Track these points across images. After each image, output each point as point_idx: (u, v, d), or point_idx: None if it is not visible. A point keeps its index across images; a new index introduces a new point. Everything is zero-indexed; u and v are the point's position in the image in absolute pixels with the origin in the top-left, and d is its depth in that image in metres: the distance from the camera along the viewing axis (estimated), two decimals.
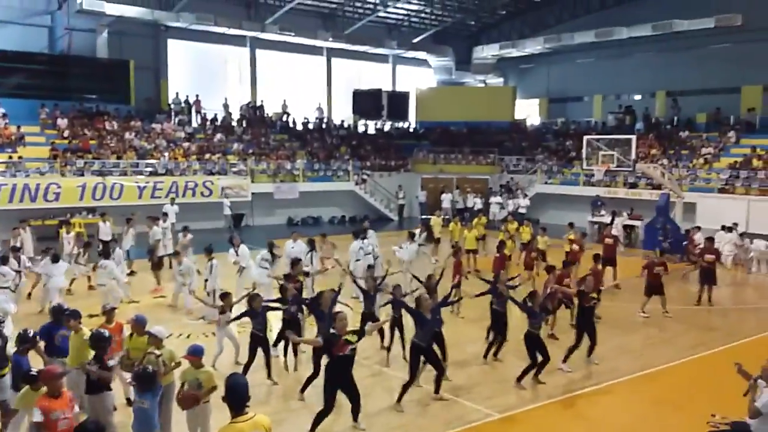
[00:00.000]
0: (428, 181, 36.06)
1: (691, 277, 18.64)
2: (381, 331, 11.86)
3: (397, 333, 11.55)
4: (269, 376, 10.45)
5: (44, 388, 6.56)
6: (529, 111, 42.92)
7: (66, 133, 27.96)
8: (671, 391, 10.50)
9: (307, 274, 14.11)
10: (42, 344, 8.59)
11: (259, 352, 10.35)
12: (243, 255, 15.25)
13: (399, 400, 9.56)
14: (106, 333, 7.97)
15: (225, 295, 11.19)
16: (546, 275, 13.68)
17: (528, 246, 17.51)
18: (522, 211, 31.14)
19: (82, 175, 25.78)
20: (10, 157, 25.31)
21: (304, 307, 11.32)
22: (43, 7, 29.96)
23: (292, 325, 10.78)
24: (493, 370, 11.39)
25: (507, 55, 40.46)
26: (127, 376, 8.32)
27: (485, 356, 11.76)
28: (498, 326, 11.76)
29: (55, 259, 14.29)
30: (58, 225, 24.11)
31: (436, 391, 9.87)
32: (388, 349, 11.61)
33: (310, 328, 11.73)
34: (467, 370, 11.32)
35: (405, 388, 9.54)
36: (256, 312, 10.27)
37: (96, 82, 30.35)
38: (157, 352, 7.91)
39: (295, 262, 13.16)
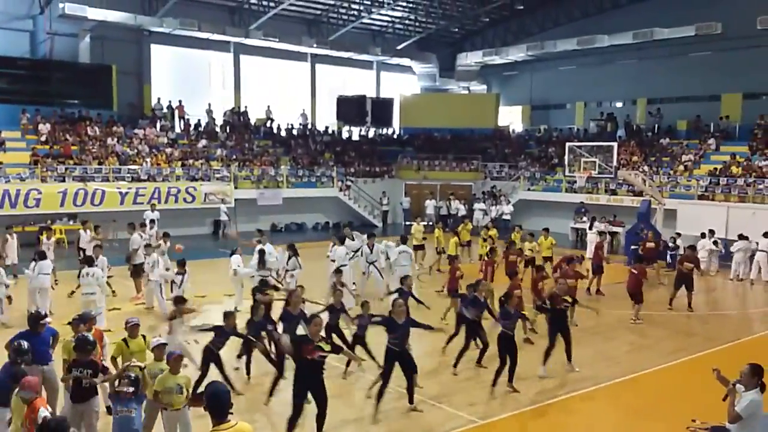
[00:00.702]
0: (412, 188, 36.18)
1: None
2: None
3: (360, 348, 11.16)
4: (232, 388, 10.21)
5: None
6: (512, 118, 43.19)
7: (46, 138, 27.70)
8: (652, 397, 10.59)
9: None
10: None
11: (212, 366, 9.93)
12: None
13: (377, 405, 9.39)
14: (91, 337, 7.93)
15: (179, 301, 10.99)
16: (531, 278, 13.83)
17: (507, 251, 17.58)
18: (506, 217, 31.35)
19: (64, 180, 25.56)
20: None
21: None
22: (24, 12, 29.69)
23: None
24: (475, 377, 11.39)
25: (490, 62, 40.71)
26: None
27: (478, 362, 11.72)
28: (475, 333, 11.69)
29: (42, 256, 14.07)
30: (38, 231, 23.85)
31: (410, 401, 9.73)
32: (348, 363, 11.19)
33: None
34: (448, 376, 11.33)
35: (380, 393, 9.42)
36: (226, 330, 9.89)
37: (78, 87, 30.14)
38: (141, 364, 7.81)
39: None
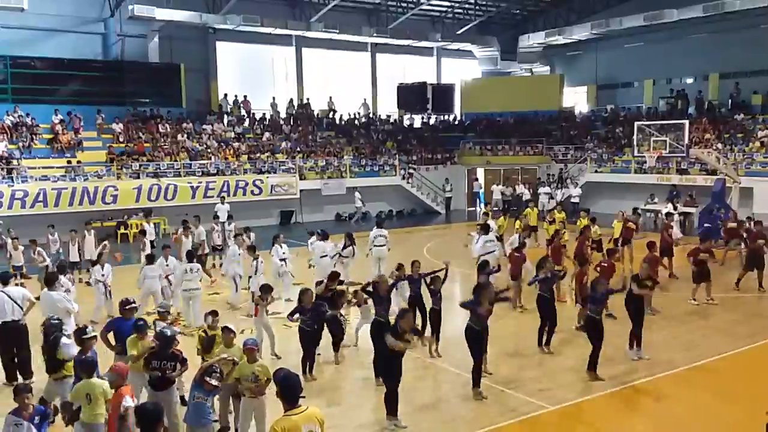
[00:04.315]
0: (472, 173, 36.04)
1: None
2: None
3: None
4: (310, 371, 10.51)
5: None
6: (577, 99, 42.19)
7: (121, 137, 28.88)
8: (729, 383, 10.30)
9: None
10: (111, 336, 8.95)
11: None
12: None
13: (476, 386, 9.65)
14: (170, 331, 8.25)
15: (265, 289, 11.42)
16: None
17: (581, 236, 17.23)
18: (574, 200, 30.77)
19: (138, 177, 26.60)
20: (69, 162, 26.29)
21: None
22: (96, 15, 30.92)
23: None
24: (545, 362, 11.33)
25: (553, 42, 39.83)
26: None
27: (539, 345, 11.72)
28: (546, 313, 11.72)
29: (150, 260, 14.13)
30: (116, 226, 25.04)
31: (477, 384, 9.75)
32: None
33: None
34: (518, 361, 11.30)
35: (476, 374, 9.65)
36: (306, 308, 10.42)
37: (149, 87, 31.31)
38: (235, 358, 8.08)
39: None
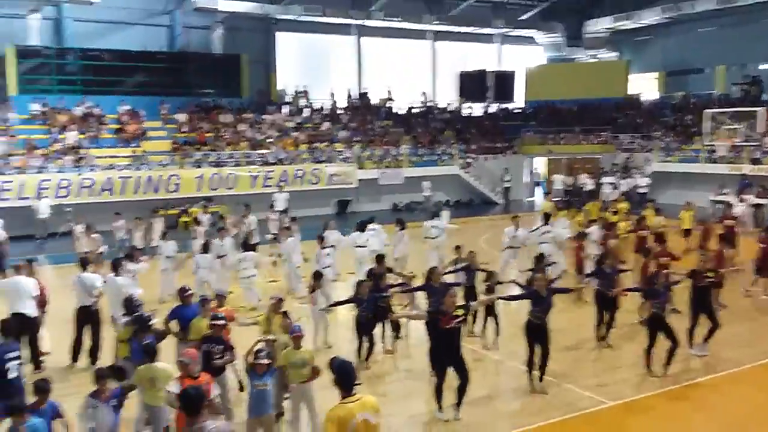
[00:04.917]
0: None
1: None
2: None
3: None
4: (367, 358, 10.47)
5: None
6: (645, 85, 40.70)
7: (185, 127, 29.53)
8: None
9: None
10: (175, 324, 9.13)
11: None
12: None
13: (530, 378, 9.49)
14: (221, 314, 8.35)
15: (318, 276, 11.45)
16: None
17: (638, 227, 16.56)
18: (641, 191, 29.79)
19: (200, 166, 27.15)
20: (134, 151, 27.05)
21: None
22: (162, 7, 31.70)
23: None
24: (603, 356, 10.97)
25: (621, 27, 38.55)
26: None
27: (597, 339, 11.38)
28: (604, 307, 11.32)
29: (205, 249, 14.37)
30: (177, 215, 25.63)
31: (540, 378, 9.58)
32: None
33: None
34: (575, 355, 10.98)
35: (529, 365, 9.49)
36: (361, 299, 10.38)
37: (211, 77, 31.99)
38: (272, 337, 8.15)
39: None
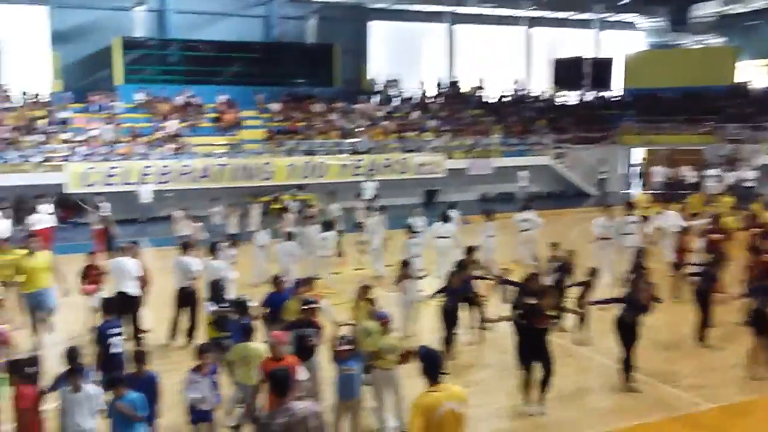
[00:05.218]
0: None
1: None
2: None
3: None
4: (448, 350, 10.33)
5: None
6: (754, 73, 38.17)
7: (278, 117, 30.23)
8: None
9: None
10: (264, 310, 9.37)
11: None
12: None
13: (626, 377, 9.17)
14: (311, 298, 8.55)
15: (406, 264, 11.43)
16: None
17: (751, 224, 15.56)
18: (748, 184, 28.05)
19: (292, 155, 27.73)
20: (231, 140, 27.93)
21: None
22: None
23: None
24: (702, 356, 10.44)
25: (730, 11, 36.27)
26: None
27: (696, 338, 10.87)
28: (703, 305, 10.78)
29: (289, 237, 14.69)
30: (269, 202, 26.29)
31: (627, 378, 9.22)
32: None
33: None
34: (671, 354, 10.50)
35: (626, 366, 9.14)
36: (452, 289, 10.31)
37: (304, 67, 32.46)
38: (351, 322, 8.26)
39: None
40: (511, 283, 10.64)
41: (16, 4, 28.12)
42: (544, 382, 8.43)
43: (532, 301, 8.75)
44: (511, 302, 10.03)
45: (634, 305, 9.10)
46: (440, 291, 10.45)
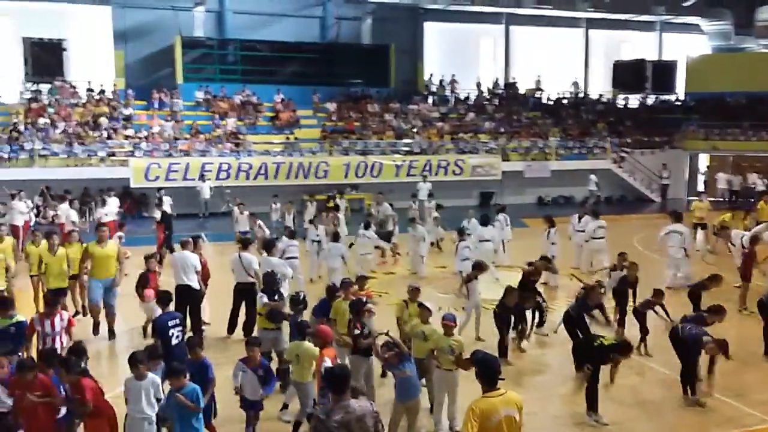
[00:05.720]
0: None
1: None
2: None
3: None
4: (505, 354, 10.17)
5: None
6: None
7: (334, 116, 30.43)
8: None
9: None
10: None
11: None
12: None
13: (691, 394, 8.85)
14: (363, 299, 8.53)
15: (478, 266, 11.33)
16: None
17: None
18: None
19: (347, 154, 27.86)
20: (288, 138, 28.27)
21: None
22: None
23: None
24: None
25: None
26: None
27: (765, 353, 10.47)
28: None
29: (335, 238, 14.82)
30: (325, 200, 26.46)
31: (693, 392, 8.89)
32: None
33: None
34: (739, 369, 10.04)
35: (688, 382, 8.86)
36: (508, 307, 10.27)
37: (360, 67, 32.61)
38: (385, 331, 8.17)
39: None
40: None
41: (80, 4, 29.06)
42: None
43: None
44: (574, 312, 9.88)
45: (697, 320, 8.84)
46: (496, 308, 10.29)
